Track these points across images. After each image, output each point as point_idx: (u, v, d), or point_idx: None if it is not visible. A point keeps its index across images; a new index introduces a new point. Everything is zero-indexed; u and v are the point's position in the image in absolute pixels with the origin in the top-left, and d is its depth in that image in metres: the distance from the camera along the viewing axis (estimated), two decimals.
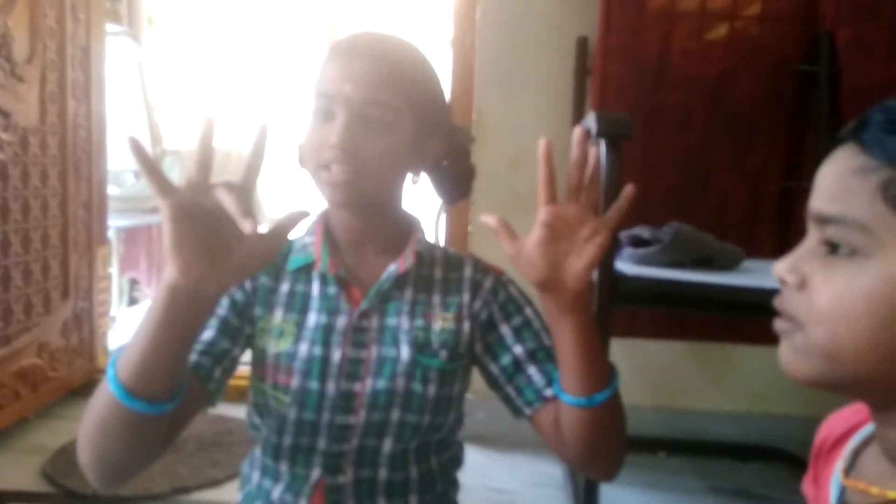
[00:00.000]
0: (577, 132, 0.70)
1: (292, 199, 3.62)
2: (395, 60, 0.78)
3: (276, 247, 0.64)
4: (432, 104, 0.83)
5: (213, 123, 0.62)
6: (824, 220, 0.48)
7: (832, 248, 0.47)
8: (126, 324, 3.11)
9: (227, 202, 0.59)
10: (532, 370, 0.82)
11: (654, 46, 1.90)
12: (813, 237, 0.49)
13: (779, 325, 0.51)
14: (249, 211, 0.60)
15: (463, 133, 0.89)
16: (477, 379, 0.88)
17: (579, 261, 0.70)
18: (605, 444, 0.77)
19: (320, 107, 0.78)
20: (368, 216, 0.83)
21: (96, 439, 0.67)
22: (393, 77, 0.77)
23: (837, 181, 0.48)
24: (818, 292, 0.47)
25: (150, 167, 0.60)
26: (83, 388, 2.32)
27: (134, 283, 3.58)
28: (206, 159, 0.62)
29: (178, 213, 0.59)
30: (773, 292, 0.52)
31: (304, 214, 0.65)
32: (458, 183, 0.91)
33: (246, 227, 0.58)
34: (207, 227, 0.60)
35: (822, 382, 0.49)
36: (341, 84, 0.76)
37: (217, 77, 4.06)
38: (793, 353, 0.50)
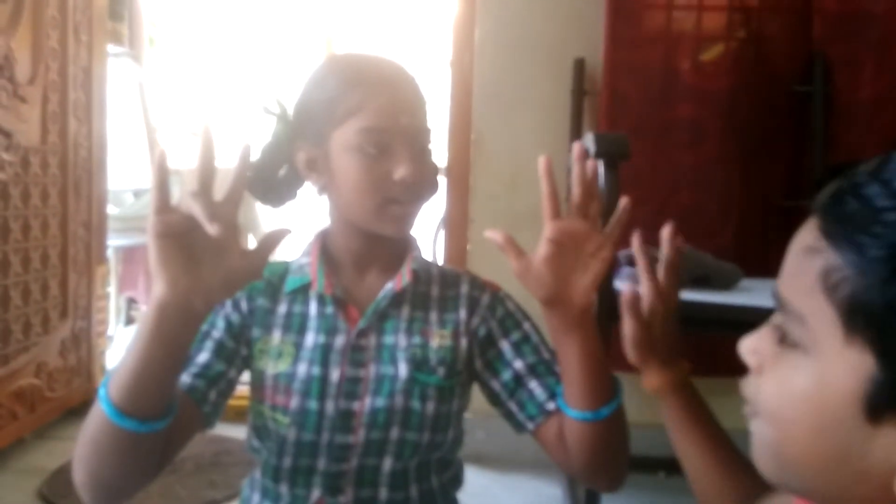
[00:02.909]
0: (576, 149, 0.71)
1: (288, 216, 3.63)
2: (418, 84, 0.82)
3: (261, 262, 0.64)
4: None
5: (166, 156, 0.61)
6: (778, 302, 0.42)
7: (783, 334, 0.42)
8: (123, 343, 3.11)
9: (194, 209, 0.58)
10: (533, 384, 0.82)
11: (654, 66, 1.92)
12: (775, 316, 0.44)
13: (746, 409, 0.46)
14: (231, 221, 0.61)
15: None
16: (476, 398, 0.88)
17: (585, 276, 0.70)
18: (611, 456, 0.78)
19: (373, 142, 0.77)
20: (376, 238, 0.83)
21: (90, 460, 0.67)
22: (424, 101, 0.82)
23: (791, 260, 0.42)
24: (765, 383, 0.43)
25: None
26: (81, 408, 2.31)
27: (131, 302, 3.57)
28: (163, 183, 0.60)
29: (162, 229, 0.59)
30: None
31: (288, 232, 0.65)
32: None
33: (211, 230, 0.57)
34: (191, 243, 0.61)
35: (782, 485, 0.43)
36: (396, 117, 0.77)
37: (218, 97, 4.09)
38: (757, 447, 0.45)
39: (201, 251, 0.61)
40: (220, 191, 0.62)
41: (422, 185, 0.80)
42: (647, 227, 0.82)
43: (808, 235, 0.40)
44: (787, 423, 0.40)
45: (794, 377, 0.40)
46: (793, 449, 0.40)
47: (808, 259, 0.39)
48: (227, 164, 0.66)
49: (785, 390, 0.41)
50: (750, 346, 0.45)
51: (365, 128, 0.77)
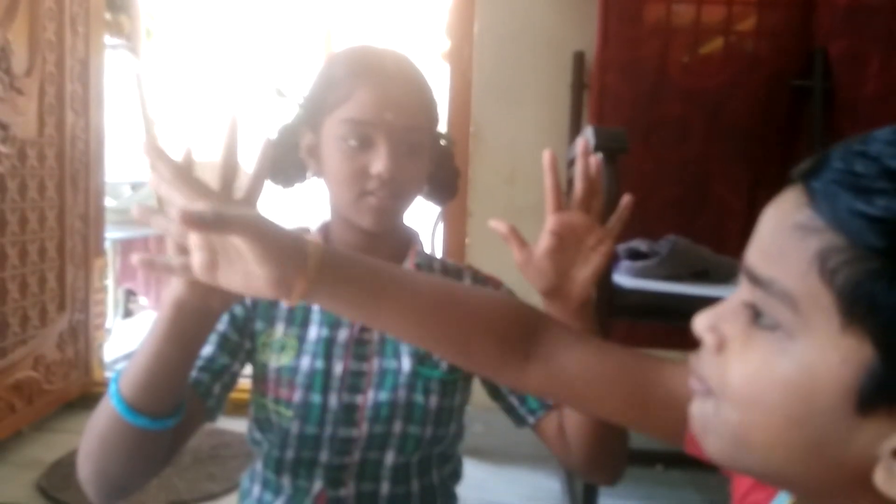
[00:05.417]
0: (581, 144, 0.71)
1: (293, 209, 3.63)
2: (420, 82, 0.80)
3: None
4: (438, 117, 0.85)
5: (192, 155, 0.60)
6: (753, 280, 0.39)
7: (756, 314, 0.39)
8: (121, 336, 3.10)
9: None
10: None
11: (651, 60, 1.92)
12: (742, 293, 0.41)
13: (693, 383, 0.43)
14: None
15: (445, 136, 0.91)
16: (474, 392, 0.89)
17: (585, 269, 0.71)
18: (610, 450, 0.78)
19: (355, 134, 0.77)
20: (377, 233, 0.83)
21: (97, 455, 0.67)
22: (422, 100, 0.80)
23: (774, 236, 0.38)
24: (733, 365, 0.39)
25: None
26: (78, 401, 2.31)
27: (130, 294, 3.57)
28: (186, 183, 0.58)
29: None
30: None
31: (305, 231, 0.65)
32: (447, 185, 0.92)
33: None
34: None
35: (732, 466, 0.42)
36: (381, 112, 0.76)
37: (215, 89, 4.07)
38: (702, 425, 0.42)
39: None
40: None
41: (400, 182, 0.78)
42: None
43: (794, 212, 0.37)
44: (762, 408, 0.38)
45: (777, 362, 0.37)
46: (762, 435, 0.38)
47: (800, 238, 0.36)
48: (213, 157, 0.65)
49: (763, 375, 0.38)
50: (709, 324, 0.42)
51: (348, 118, 0.77)
